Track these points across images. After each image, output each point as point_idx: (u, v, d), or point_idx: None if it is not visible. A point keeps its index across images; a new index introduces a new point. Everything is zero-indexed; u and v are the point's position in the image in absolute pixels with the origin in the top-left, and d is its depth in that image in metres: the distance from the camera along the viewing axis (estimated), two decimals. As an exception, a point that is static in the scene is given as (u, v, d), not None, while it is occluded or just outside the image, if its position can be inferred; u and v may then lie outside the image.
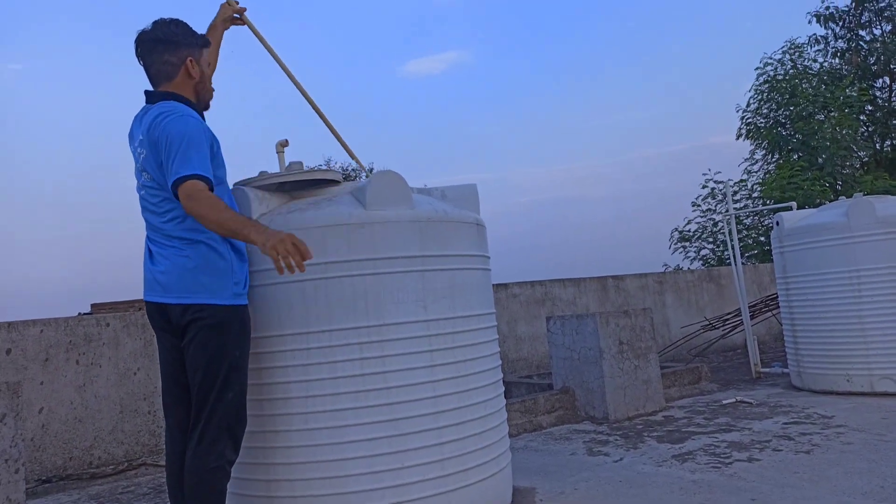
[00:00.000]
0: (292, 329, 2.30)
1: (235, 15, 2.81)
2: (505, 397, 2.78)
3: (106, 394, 4.26)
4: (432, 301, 2.42)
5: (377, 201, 2.41)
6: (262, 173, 2.67)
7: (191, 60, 2.25)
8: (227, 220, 2.01)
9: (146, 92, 2.30)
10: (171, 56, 2.24)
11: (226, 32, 2.81)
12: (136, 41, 2.27)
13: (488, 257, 2.84)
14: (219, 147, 2.27)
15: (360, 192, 2.48)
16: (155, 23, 2.26)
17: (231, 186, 2.55)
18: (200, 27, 2.46)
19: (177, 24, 2.28)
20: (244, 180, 2.62)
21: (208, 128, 2.25)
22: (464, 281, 2.55)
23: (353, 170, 22.57)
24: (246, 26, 2.83)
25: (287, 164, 2.92)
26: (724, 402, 4.75)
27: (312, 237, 2.33)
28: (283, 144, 2.89)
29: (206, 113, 2.41)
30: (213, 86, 2.41)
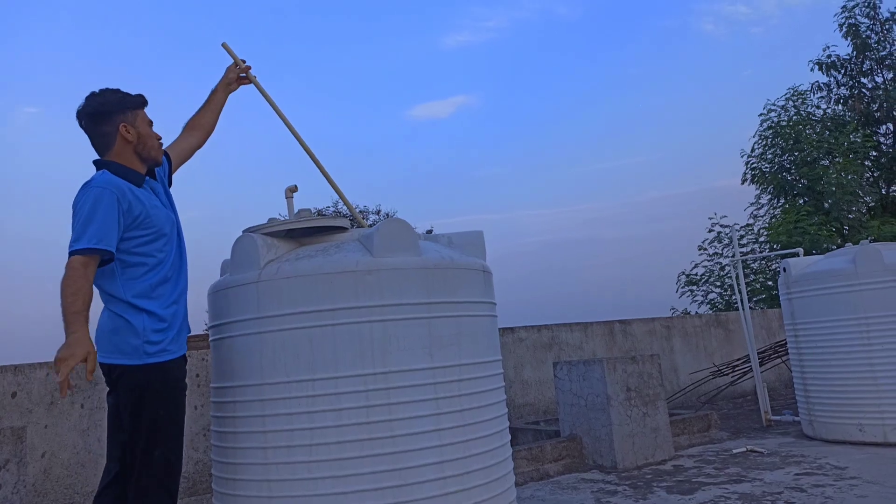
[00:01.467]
0: (298, 376, 2.30)
1: (242, 74, 2.90)
2: (511, 444, 2.75)
3: (109, 438, 4.23)
4: (439, 348, 2.41)
5: (384, 248, 2.43)
6: (271, 220, 2.70)
7: (124, 126, 2.32)
8: (65, 306, 2.06)
9: (93, 162, 2.38)
10: (106, 126, 2.32)
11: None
12: (76, 117, 2.36)
13: (495, 304, 2.85)
14: (152, 206, 2.33)
15: (367, 240, 2.50)
16: (87, 97, 2.35)
17: (241, 233, 2.67)
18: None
19: (107, 93, 2.35)
20: (253, 227, 2.66)
21: (131, 189, 2.27)
22: (470, 328, 2.55)
23: (360, 211, 22.75)
24: (252, 84, 2.91)
25: (296, 210, 2.97)
26: (735, 451, 4.67)
27: (320, 284, 2.36)
28: (293, 190, 2.94)
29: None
30: (159, 138, 2.44)
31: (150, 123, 2.42)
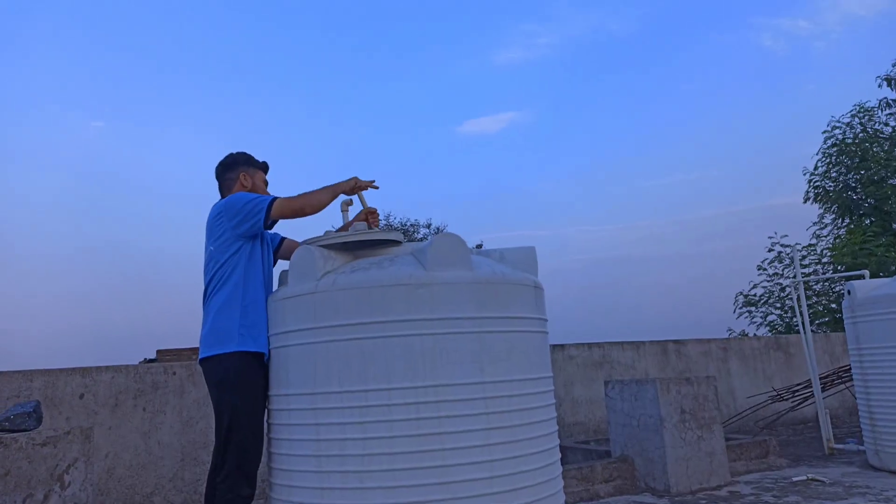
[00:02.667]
0: (351, 386, 2.34)
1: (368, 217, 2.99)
2: (561, 463, 2.73)
3: (169, 441, 4.38)
4: (489, 363, 2.43)
5: (437, 263, 2.47)
6: (327, 232, 2.78)
7: (244, 174, 2.95)
8: (316, 196, 2.77)
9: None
10: (232, 173, 2.96)
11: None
12: (214, 171, 3.01)
13: (546, 320, 2.84)
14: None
15: (420, 254, 2.54)
16: (226, 154, 3.02)
17: (296, 240, 2.81)
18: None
19: (238, 152, 3.03)
20: (310, 239, 2.73)
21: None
22: (521, 343, 2.55)
23: (410, 225, 22.94)
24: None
25: (353, 225, 3.04)
26: (795, 479, 4.51)
27: (374, 296, 2.40)
28: (348, 204, 3.02)
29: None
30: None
31: (266, 183, 3.02)
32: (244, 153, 3.03)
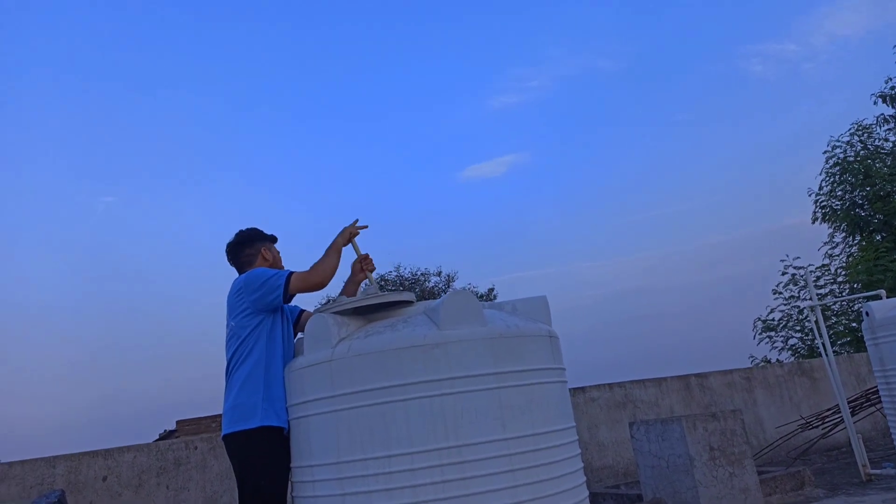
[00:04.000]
0: (375, 453, 2.33)
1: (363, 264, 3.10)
2: (592, 514, 2.68)
3: (193, 518, 4.33)
4: (510, 418, 2.41)
5: (450, 321, 2.48)
6: (336, 299, 2.81)
7: (265, 249, 3.03)
8: (326, 261, 2.84)
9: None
10: (250, 249, 3.02)
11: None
12: (226, 250, 3.07)
13: (564, 369, 2.83)
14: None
15: (433, 313, 2.55)
16: (237, 233, 3.07)
17: (312, 311, 2.83)
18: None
19: (249, 229, 3.08)
20: (323, 307, 2.76)
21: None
22: (541, 395, 2.54)
23: (421, 274, 22.98)
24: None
25: (362, 286, 3.07)
26: (834, 510, 4.38)
27: (390, 359, 2.41)
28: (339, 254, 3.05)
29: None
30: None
31: (279, 255, 3.09)
32: (255, 229, 3.10)
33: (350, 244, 2.99)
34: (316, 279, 2.79)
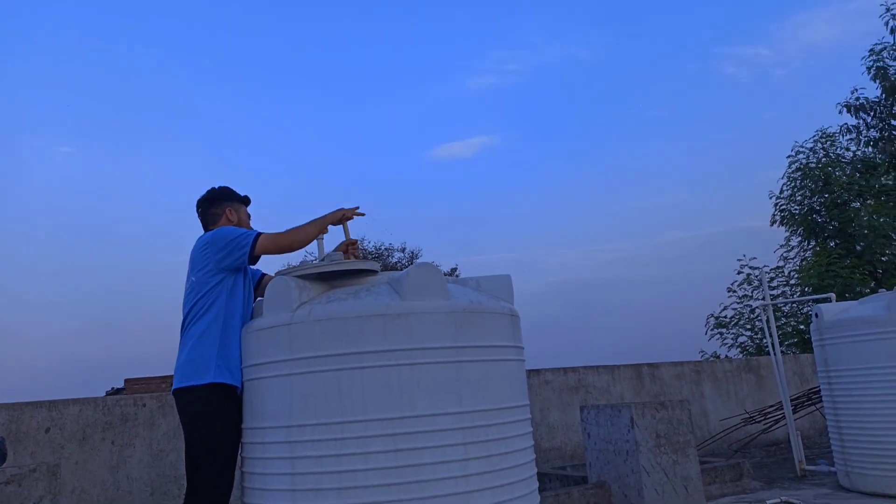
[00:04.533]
0: (328, 418, 2.32)
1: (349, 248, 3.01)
2: (538, 490, 2.72)
3: (138, 475, 4.27)
4: (467, 393, 2.42)
5: (414, 292, 2.46)
6: (303, 262, 2.77)
7: (230, 210, 2.96)
8: (304, 231, 2.79)
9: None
10: (216, 208, 2.96)
11: None
12: (196, 204, 3.01)
13: (522, 348, 2.85)
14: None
15: (397, 283, 2.54)
16: (208, 189, 3.02)
17: (273, 275, 2.77)
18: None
19: (223, 187, 3.02)
20: (285, 269, 2.72)
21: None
22: (499, 372, 2.56)
23: (385, 249, 22.90)
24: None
25: (327, 253, 3.03)
26: (769, 502, 4.54)
27: (351, 326, 2.39)
28: (323, 232, 3.01)
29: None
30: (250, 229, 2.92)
31: (249, 217, 3.03)
32: (227, 188, 3.04)
33: (341, 225, 2.95)
34: (286, 242, 2.75)
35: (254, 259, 2.74)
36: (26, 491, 2.43)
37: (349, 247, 2.98)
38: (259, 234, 2.72)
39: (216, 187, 3.04)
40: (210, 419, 2.56)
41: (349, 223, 2.95)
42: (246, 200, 3.06)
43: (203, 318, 2.67)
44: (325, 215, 2.86)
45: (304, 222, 2.82)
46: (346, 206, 2.93)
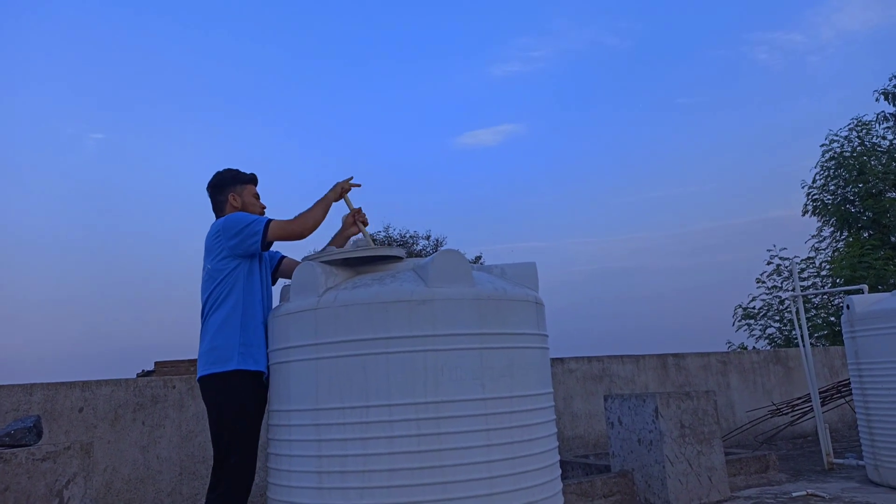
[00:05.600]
0: (352, 402, 2.35)
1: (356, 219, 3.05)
2: (560, 477, 2.73)
3: (167, 455, 4.37)
4: (490, 379, 2.43)
5: (439, 279, 2.48)
6: (327, 248, 2.80)
7: (233, 195, 2.95)
8: (313, 212, 2.82)
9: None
10: (221, 195, 2.97)
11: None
12: (206, 188, 3.04)
13: (546, 336, 2.85)
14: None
15: (422, 270, 2.55)
16: (214, 173, 3.03)
17: (300, 260, 2.81)
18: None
19: (225, 171, 3.02)
20: (312, 255, 2.75)
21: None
22: (522, 359, 2.56)
23: (409, 236, 22.96)
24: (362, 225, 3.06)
25: (352, 239, 3.06)
26: (794, 494, 4.50)
27: (376, 312, 2.41)
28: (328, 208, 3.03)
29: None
30: (262, 207, 3.01)
31: (257, 196, 3.01)
32: (230, 170, 3.02)
33: (343, 199, 2.97)
34: (296, 229, 2.76)
35: (266, 246, 2.76)
36: (61, 468, 2.50)
37: (356, 216, 3.02)
38: (269, 220, 2.74)
39: (219, 172, 3.03)
40: (235, 406, 2.61)
41: (349, 194, 2.99)
42: (252, 179, 3.03)
43: (223, 305, 2.70)
44: (326, 194, 2.90)
45: (308, 207, 2.85)
46: (340, 180, 2.97)
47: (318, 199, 2.87)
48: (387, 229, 22.46)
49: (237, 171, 3.02)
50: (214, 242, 2.78)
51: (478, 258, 22.23)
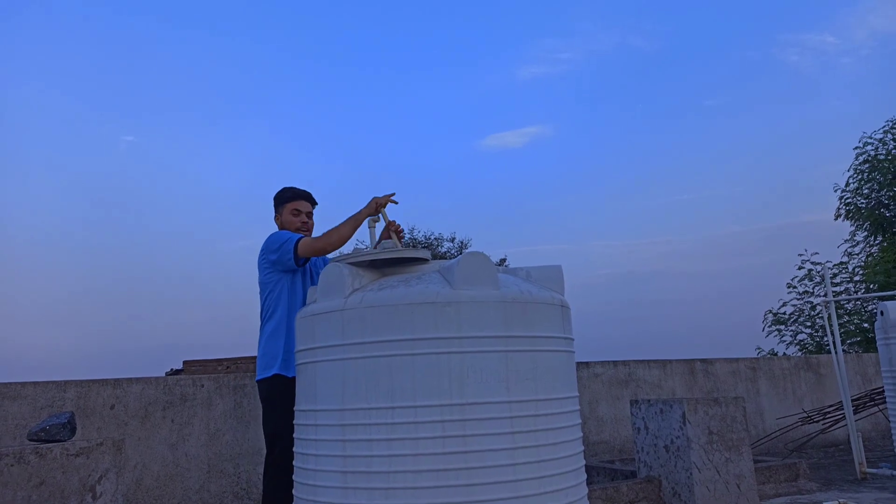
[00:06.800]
0: (378, 403, 2.36)
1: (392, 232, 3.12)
2: (586, 483, 2.71)
3: (196, 453, 4.43)
4: (516, 382, 2.43)
5: (464, 281, 2.48)
6: (356, 249, 2.83)
7: (276, 215, 3.32)
8: (340, 231, 2.95)
9: None
10: (275, 213, 3.34)
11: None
12: None
13: (572, 339, 2.84)
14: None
15: (448, 272, 2.56)
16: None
17: (328, 262, 2.87)
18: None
19: (281, 190, 3.35)
20: (339, 257, 2.77)
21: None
22: (548, 363, 2.55)
23: (434, 238, 22.99)
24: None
25: (378, 239, 3.08)
26: (826, 503, 4.41)
27: (402, 313, 2.42)
28: (375, 220, 3.08)
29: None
30: (302, 223, 3.29)
31: (295, 212, 3.29)
32: (283, 189, 3.35)
33: (379, 213, 3.05)
34: (320, 245, 2.97)
35: (300, 262, 2.99)
36: (94, 463, 2.56)
37: (392, 229, 3.09)
38: (300, 238, 2.98)
39: (278, 191, 3.35)
40: (280, 408, 2.88)
41: (385, 209, 3.06)
42: (291, 197, 3.32)
43: (273, 316, 3.00)
44: (361, 211, 3.01)
45: (339, 222, 3.00)
46: (378, 196, 3.06)
47: (352, 214, 3.01)
48: (412, 231, 22.56)
49: (284, 189, 3.34)
50: (261, 258, 3.08)
51: (502, 261, 22.20)
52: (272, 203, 3.38)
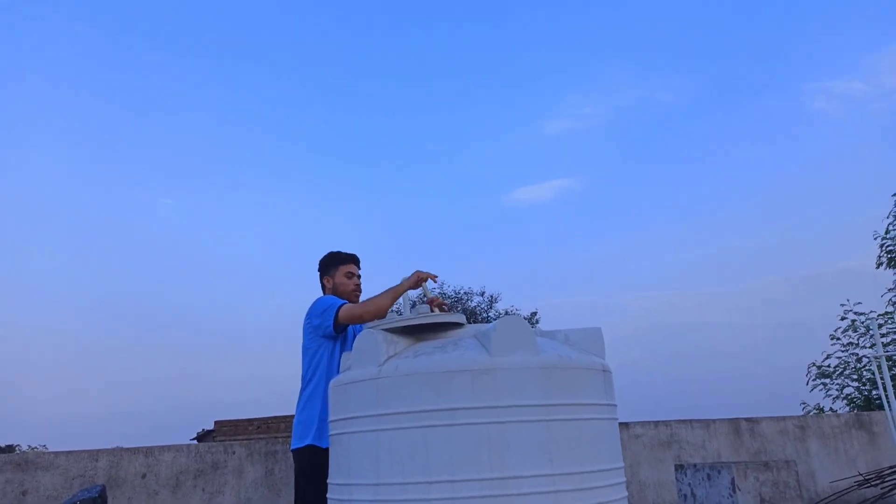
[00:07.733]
0: (415, 478, 2.26)
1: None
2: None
3: (226, 523, 4.32)
4: (558, 453, 2.31)
5: (502, 347, 2.40)
6: (390, 314, 2.78)
7: (326, 279, 3.34)
8: (379, 301, 2.91)
9: None
10: (321, 279, 3.35)
11: None
12: None
13: (615, 406, 2.72)
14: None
15: (484, 337, 2.48)
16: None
17: (363, 328, 2.84)
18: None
19: (326, 255, 3.37)
20: (374, 323, 2.72)
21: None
22: (591, 432, 2.44)
23: (464, 293, 22.86)
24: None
25: (412, 304, 3.04)
26: (893, 578, 4.10)
27: (438, 382, 2.34)
28: (424, 299, 3.06)
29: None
30: (354, 287, 3.31)
31: (348, 275, 3.33)
32: (329, 254, 3.39)
33: (419, 287, 3.03)
34: (358, 313, 2.98)
35: (339, 329, 2.99)
36: (123, 540, 2.48)
37: (438, 306, 3.04)
38: (341, 306, 2.99)
39: (323, 256, 3.39)
40: (314, 478, 2.84)
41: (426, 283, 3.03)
42: (344, 260, 3.35)
43: (311, 382, 2.99)
44: (402, 283, 2.99)
45: (381, 292, 3.00)
46: (421, 270, 3.03)
47: (393, 286, 3.00)
48: (441, 286, 22.50)
49: (335, 253, 3.37)
50: (306, 322, 3.10)
51: (533, 314, 21.92)
52: (317, 264, 3.38)
